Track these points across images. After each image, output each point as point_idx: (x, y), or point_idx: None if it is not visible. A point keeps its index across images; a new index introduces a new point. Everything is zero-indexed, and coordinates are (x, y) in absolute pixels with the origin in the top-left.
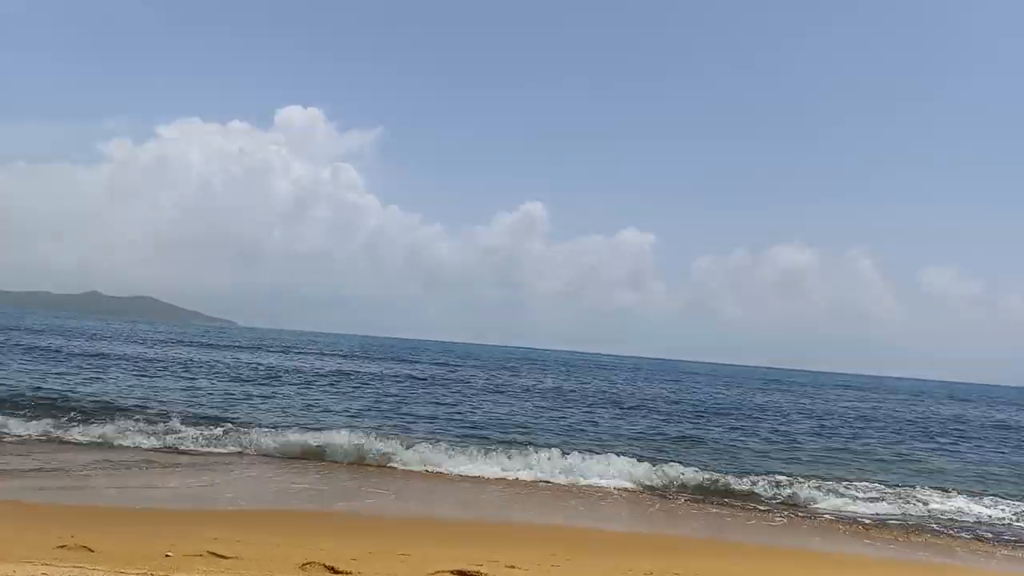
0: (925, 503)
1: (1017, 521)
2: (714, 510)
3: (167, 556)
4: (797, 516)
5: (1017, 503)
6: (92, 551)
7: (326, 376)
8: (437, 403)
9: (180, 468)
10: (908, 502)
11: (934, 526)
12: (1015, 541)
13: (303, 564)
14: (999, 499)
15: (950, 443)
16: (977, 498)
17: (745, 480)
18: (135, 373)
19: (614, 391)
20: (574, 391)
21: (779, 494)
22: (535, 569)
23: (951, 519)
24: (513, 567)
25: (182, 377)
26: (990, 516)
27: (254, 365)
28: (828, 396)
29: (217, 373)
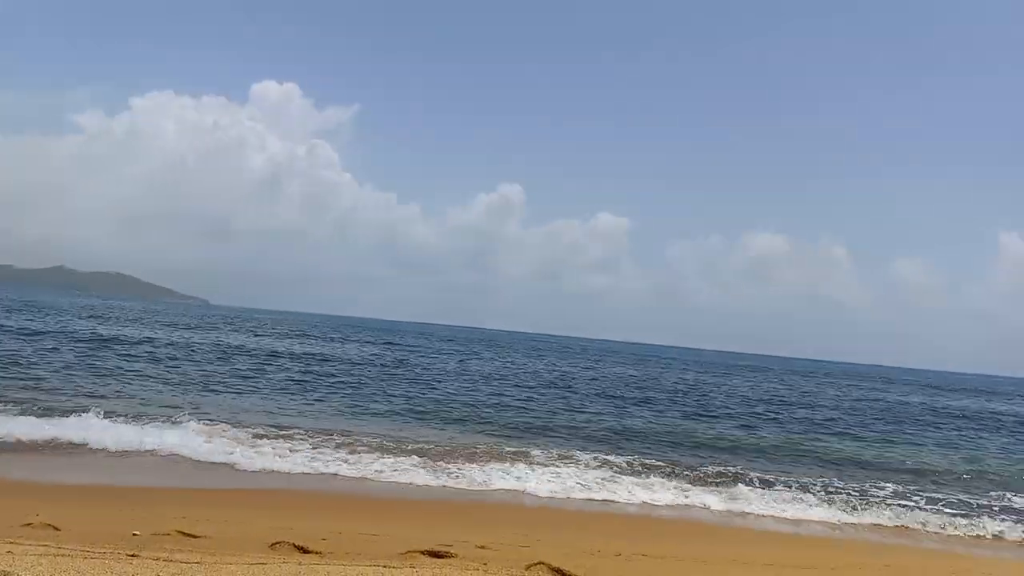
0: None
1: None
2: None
3: (134, 535)
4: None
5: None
6: (58, 529)
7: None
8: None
9: None
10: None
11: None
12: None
13: (273, 544)
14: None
15: (883, 431)
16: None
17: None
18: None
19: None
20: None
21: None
22: (506, 549)
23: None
24: (484, 547)
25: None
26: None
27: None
28: (794, 382)
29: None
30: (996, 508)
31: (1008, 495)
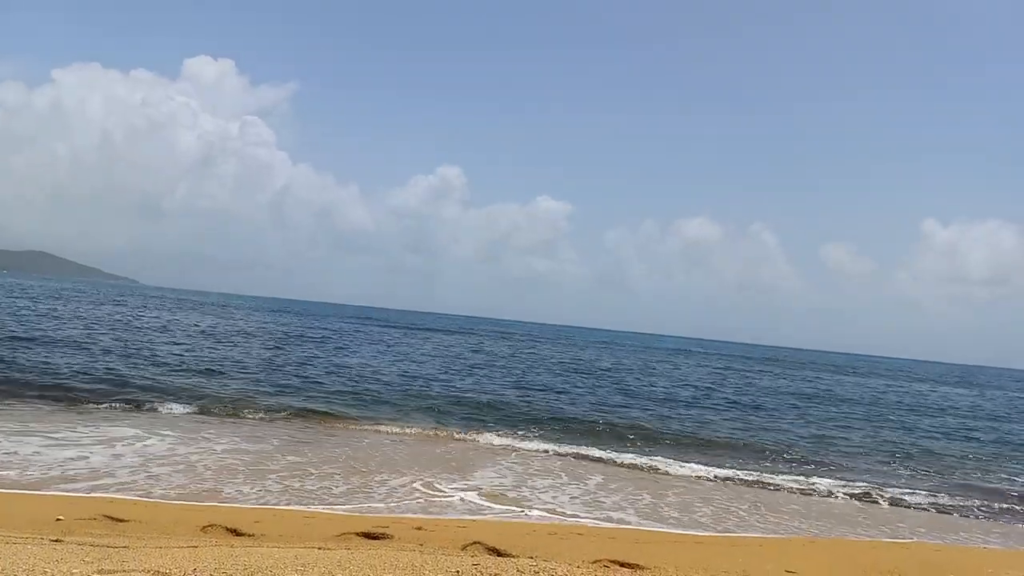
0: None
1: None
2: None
3: (58, 520)
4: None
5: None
6: None
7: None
8: None
9: None
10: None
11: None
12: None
13: (204, 527)
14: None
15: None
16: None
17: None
18: None
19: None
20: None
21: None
22: (443, 530)
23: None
24: (420, 528)
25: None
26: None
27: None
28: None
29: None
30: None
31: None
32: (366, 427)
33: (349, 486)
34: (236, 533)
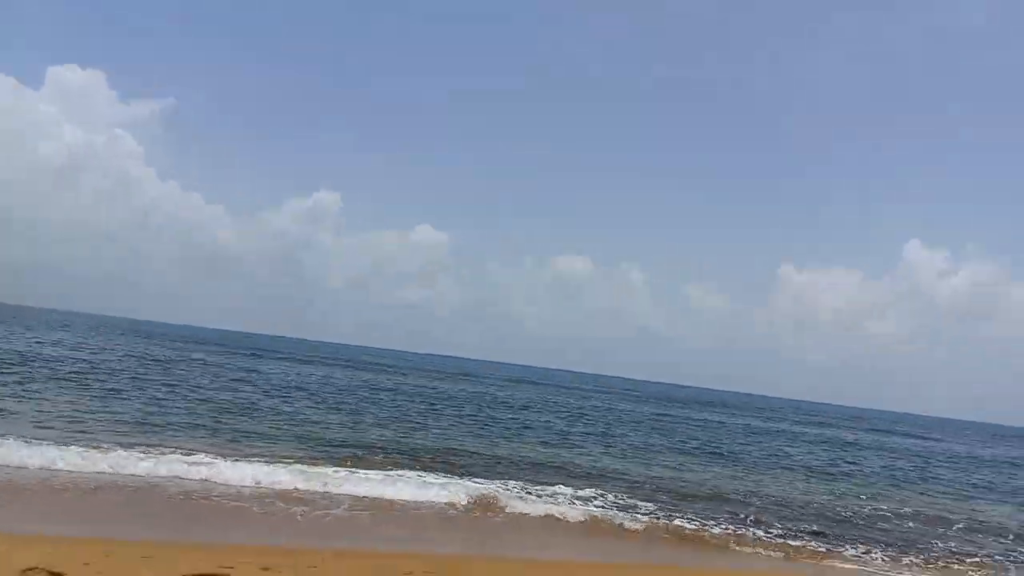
0: None
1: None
2: None
3: None
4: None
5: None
6: None
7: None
8: None
9: None
10: None
11: None
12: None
13: (24, 570)
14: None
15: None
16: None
17: None
18: None
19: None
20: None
21: None
22: (290, 570)
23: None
24: (267, 568)
25: None
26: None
27: None
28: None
29: None
30: None
31: None
32: None
33: None
34: None
